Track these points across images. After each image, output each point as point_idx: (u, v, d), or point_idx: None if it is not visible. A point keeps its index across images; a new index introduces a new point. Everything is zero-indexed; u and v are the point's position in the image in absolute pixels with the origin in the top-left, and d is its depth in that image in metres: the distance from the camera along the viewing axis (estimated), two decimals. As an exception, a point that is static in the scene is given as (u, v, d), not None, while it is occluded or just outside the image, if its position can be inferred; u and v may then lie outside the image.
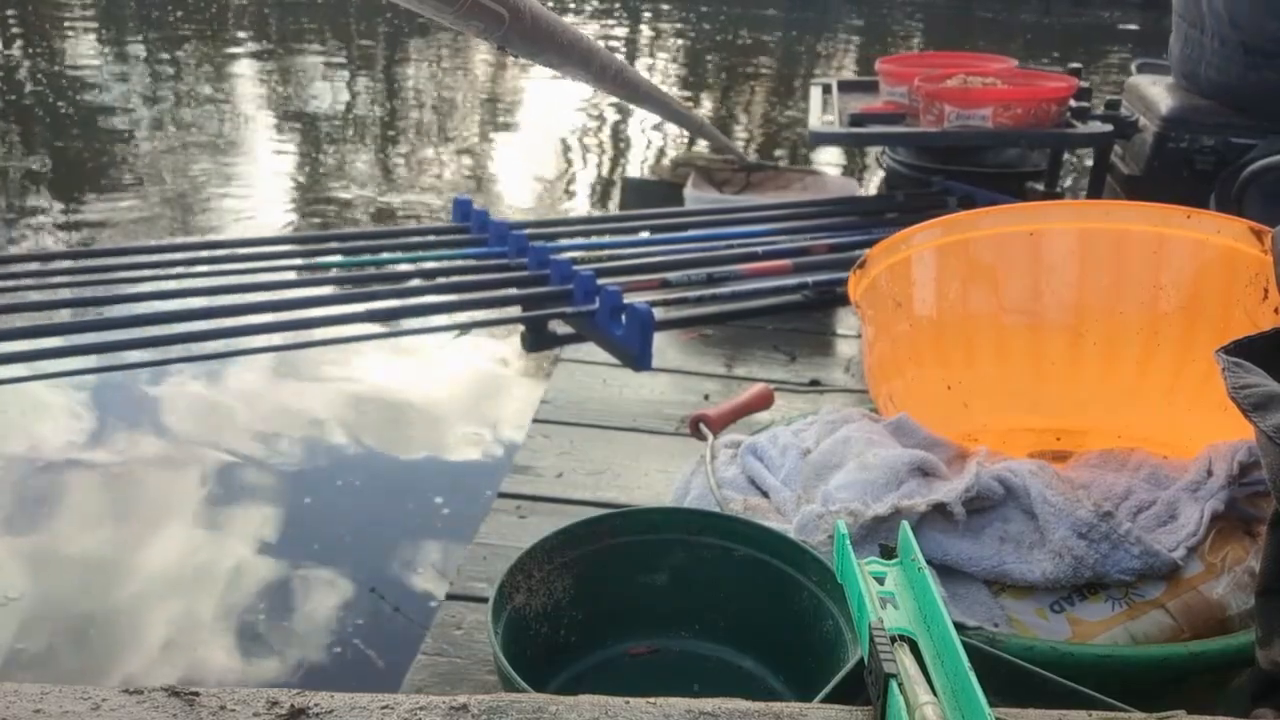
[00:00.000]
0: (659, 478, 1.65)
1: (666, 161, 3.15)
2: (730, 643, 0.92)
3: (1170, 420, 0.96)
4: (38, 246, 3.39)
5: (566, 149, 5.08)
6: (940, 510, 0.89)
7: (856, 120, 2.15)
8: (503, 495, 1.61)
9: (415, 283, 1.64)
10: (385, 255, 1.77)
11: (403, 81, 6.63)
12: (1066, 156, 2.50)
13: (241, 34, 7.81)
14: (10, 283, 1.44)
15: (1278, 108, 1.87)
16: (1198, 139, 1.94)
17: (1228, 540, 0.88)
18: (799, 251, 1.77)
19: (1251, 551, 0.88)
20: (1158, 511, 0.89)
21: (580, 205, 4.32)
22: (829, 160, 4.56)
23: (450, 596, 1.38)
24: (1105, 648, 0.82)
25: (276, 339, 1.54)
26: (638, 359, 1.47)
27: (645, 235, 2.01)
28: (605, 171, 4.82)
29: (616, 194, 4.17)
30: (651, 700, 0.45)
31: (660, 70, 7.14)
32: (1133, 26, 9.93)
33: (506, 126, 5.57)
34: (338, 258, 1.83)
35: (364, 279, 2.15)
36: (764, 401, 1.24)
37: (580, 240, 2.01)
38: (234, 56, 6.88)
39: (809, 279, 1.66)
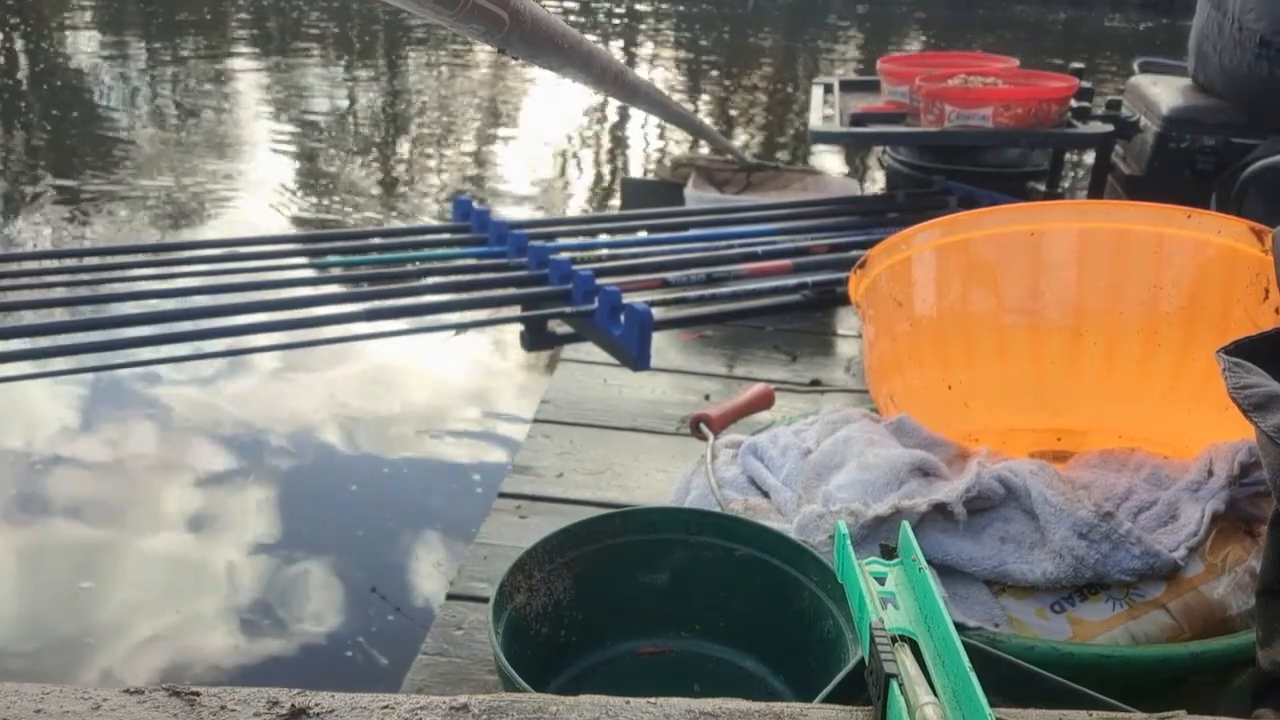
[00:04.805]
0: (659, 478, 1.65)
1: (667, 161, 3.15)
2: (731, 643, 0.92)
3: (1171, 420, 0.96)
4: (37, 245, 3.39)
5: (567, 149, 5.08)
6: (941, 510, 0.89)
7: (857, 120, 2.15)
8: (503, 495, 1.61)
9: (415, 282, 1.64)
10: (385, 254, 1.77)
11: (403, 82, 6.63)
12: (1067, 156, 2.50)
13: (242, 35, 7.81)
14: (10, 281, 1.44)
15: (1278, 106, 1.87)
16: (1199, 139, 1.94)
17: (1228, 540, 0.88)
18: (799, 251, 1.77)
19: (1252, 551, 0.88)
20: (1158, 511, 0.89)
21: (580, 205, 4.32)
22: (829, 159, 4.56)
23: (450, 596, 1.39)
24: (1106, 648, 0.82)
25: (276, 338, 1.54)
26: (636, 359, 1.47)
27: (645, 235, 2.01)
28: (605, 171, 4.82)
29: (616, 194, 4.17)
30: (652, 700, 0.45)
31: (660, 71, 7.14)
32: (1134, 27, 9.92)
33: (507, 126, 5.57)
34: (338, 257, 1.83)
35: (364, 278, 2.15)
36: (765, 401, 1.24)
37: (580, 240, 2.01)
38: (235, 57, 6.88)
39: (809, 279, 1.66)
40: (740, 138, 5.15)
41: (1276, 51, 1.82)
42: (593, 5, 9.88)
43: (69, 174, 4.23)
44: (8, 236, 3.51)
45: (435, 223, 3.49)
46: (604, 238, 2.15)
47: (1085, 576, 0.85)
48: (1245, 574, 0.86)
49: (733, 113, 5.97)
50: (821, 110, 2.31)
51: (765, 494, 1.01)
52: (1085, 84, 2.10)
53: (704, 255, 1.73)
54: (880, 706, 0.43)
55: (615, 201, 4.04)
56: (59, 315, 1.60)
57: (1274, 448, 0.60)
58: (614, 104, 5.50)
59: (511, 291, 1.60)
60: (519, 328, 1.64)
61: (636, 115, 5.42)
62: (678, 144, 4.95)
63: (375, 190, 4.29)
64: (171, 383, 2.41)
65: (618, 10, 9.87)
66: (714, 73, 7.30)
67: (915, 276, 1.06)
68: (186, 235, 3.56)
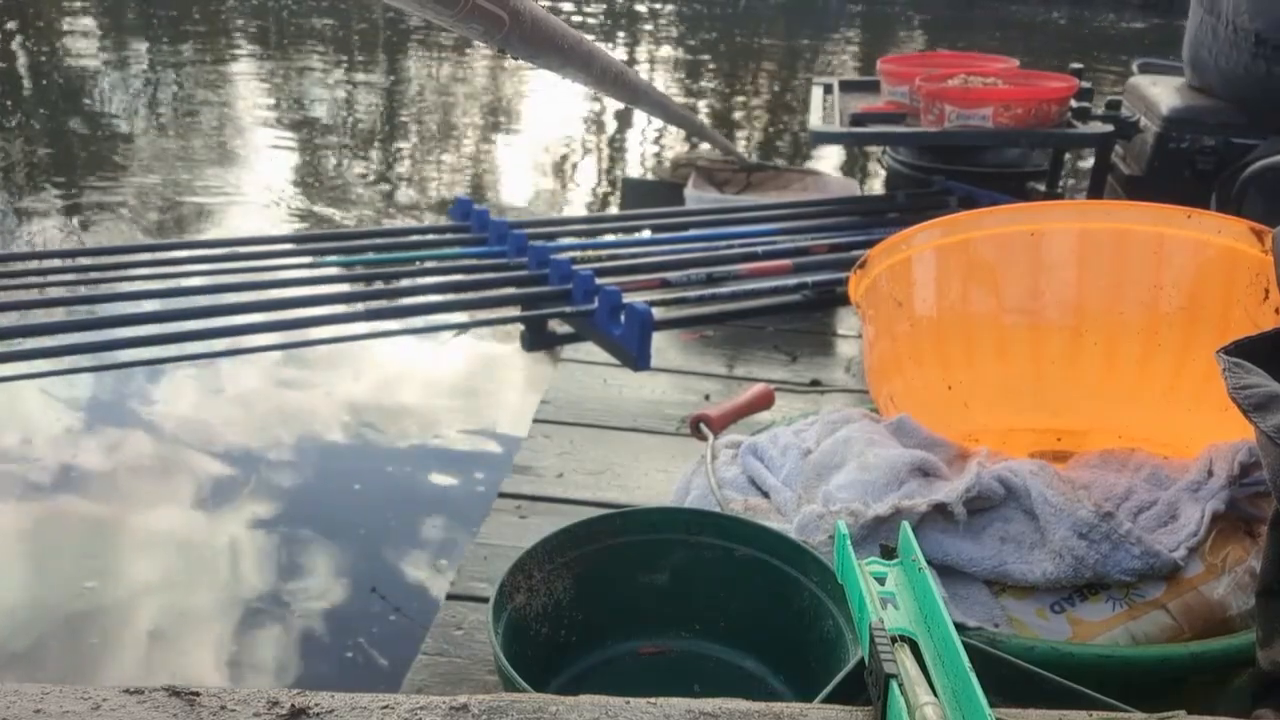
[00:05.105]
0: (659, 478, 1.65)
1: (666, 162, 3.15)
2: (731, 643, 0.92)
3: (1171, 420, 0.96)
4: (36, 246, 3.39)
5: (567, 149, 5.08)
6: (941, 510, 0.89)
7: (857, 120, 2.15)
8: (503, 495, 1.61)
9: (415, 282, 1.64)
10: (385, 254, 1.77)
11: (403, 82, 6.63)
12: (1067, 157, 2.50)
13: (241, 37, 7.81)
14: (8, 281, 1.44)
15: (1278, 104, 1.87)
16: (1199, 139, 1.94)
17: (1228, 540, 0.88)
18: (799, 251, 1.77)
19: (1252, 552, 0.88)
20: (1158, 512, 0.89)
21: (580, 205, 4.32)
22: (829, 159, 4.56)
23: (450, 596, 1.39)
24: (1106, 648, 0.82)
25: (276, 338, 1.54)
26: (637, 359, 1.47)
27: (645, 235, 2.01)
28: (605, 171, 4.82)
29: (617, 194, 4.17)
30: (652, 700, 0.45)
31: (658, 71, 7.14)
32: (1133, 27, 9.92)
33: (508, 127, 5.57)
34: (338, 257, 1.83)
35: (364, 278, 2.15)
36: (765, 401, 1.24)
37: (580, 240, 2.01)
38: (234, 59, 6.88)
39: (809, 279, 1.66)
40: (740, 138, 5.15)
41: (1273, 49, 1.82)
42: (587, 6, 9.88)
43: (67, 174, 4.23)
44: (7, 236, 3.51)
45: (435, 223, 3.49)
46: (604, 238, 2.15)
47: (1085, 576, 0.85)
48: (1245, 574, 0.86)
49: (735, 114, 5.97)
50: (821, 110, 2.31)
51: (765, 494, 1.01)
52: (1085, 84, 2.10)
53: (704, 255, 1.74)
54: (880, 706, 0.43)
55: (615, 201, 4.04)
56: (58, 315, 1.60)
57: (1274, 448, 0.60)
58: (614, 104, 5.50)
59: (511, 291, 1.60)
60: (519, 328, 1.64)
61: (637, 116, 5.42)
62: (677, 145, 4.95)
63: (375, 190, 4.29)
64: (172, 383, 2.41)
65: (605, 10, 9.86)
66: (712, 73, 7.30)
67: (915, 276, 1.06)
68: (186, 235, 3.56)
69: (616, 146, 5.26)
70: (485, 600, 0.82)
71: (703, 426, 1.12)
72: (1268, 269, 0.88)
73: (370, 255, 1.85)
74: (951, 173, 2.27)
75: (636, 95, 1.79)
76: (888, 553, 0.53)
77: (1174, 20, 8.98)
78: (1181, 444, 0.96)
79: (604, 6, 9.95)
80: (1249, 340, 0.67)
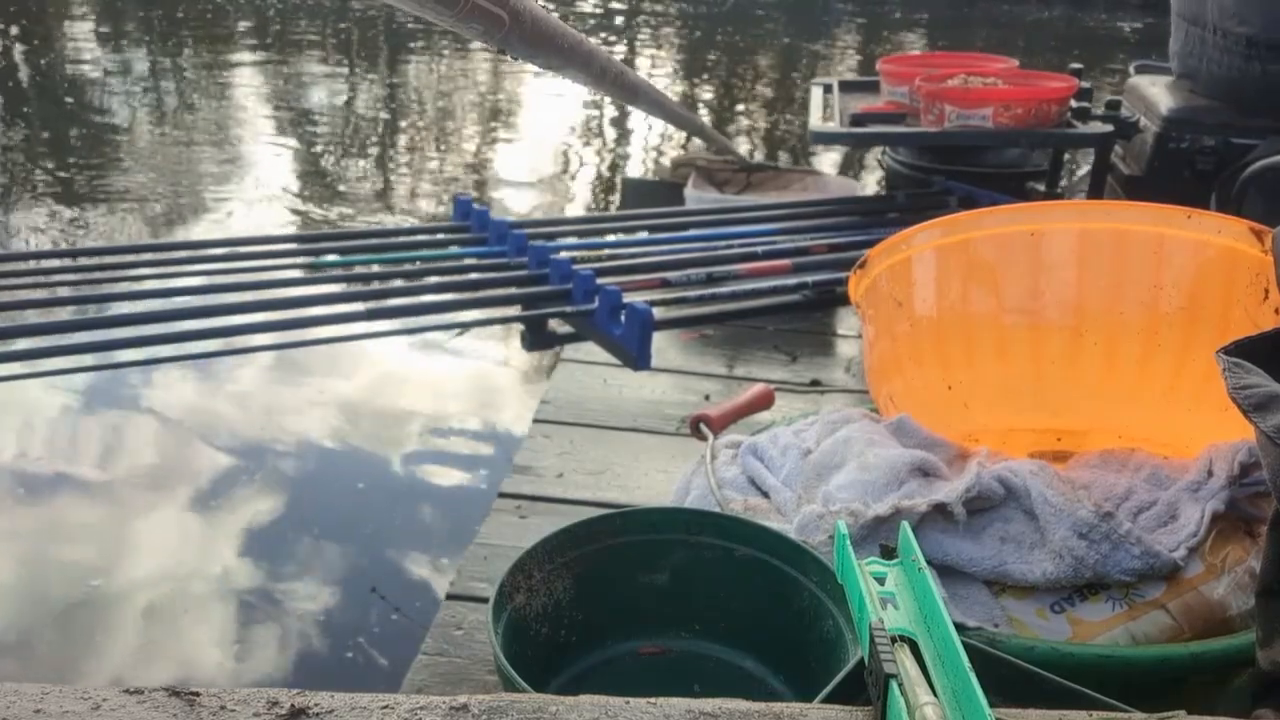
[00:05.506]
0: (659, 478, 1.65)
1: (666, 162, 3.15)
2: (730, 643, 0.92)
3: (1171, 420, 0.96)
4: (35, 245, 3.39)
5: (567, 149, 5.08)
6: (941, 510, 0.89)
7: (857, 120, 2.15)
8: (503, 495, 1.61)
9: (415, 282, 1.64)
10: (385, 254, 1.77)
11: (403, 82, 6.63)
12: (1067, 157, 2.50)
13: (242, 36, 7.81)
14: (8, 281, 1.44)
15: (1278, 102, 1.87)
16: (1198, 139, 1.94)
17: (1228, 540, 0.88)
18: (799, 251, 1.77)
19: (1252, 552, 0.88)
20: (1158, 512, 0.89)
21: (580, 205, 4.32)
22: (829, 159, 4.56)
23: (450, 596, 1.39)
24: (1106, 648, 0.82)
25: (276, 338, 1.54)
26: (637, 358, 1.47)
27: (645, 235, 2.01)
28: (605, 171, 4.81)
29: (617, 194, 4.17)
30: (652, 700, 0.45)
31: (660, 71, 7.14)
32: (1134, 25, 9.93)
33: (507, 126, 5.57)
34: (338, 257, 1.83)
35: (363, 278, 2.16)
36: (765, 401, 1.24)
37: (580, 240, 2.01)
38: (234, 58, 6.88)
39: (809, 279, 1.66)
40: (740, 138, 5.15)
41: (1266, 49, 1.82)
42: (586, 5, 9.88)
43: (68, 173, 4.23)
44: (6, 236, 3.51)
45: (435, 223, 3.49)
46: (604, 238, 2.15)
47: (1085, 576, 0.85)
48: (1245, 574, 0.86)
49: (733, 112, 5.96)
50: (821, 110, 2.31)
51: (765, 494, 1.01)
52: (1085, 84, 2.10)
53: (704, 255, 1.74)
54: (880, 706, 0.43)
55: (615, 201, 4.04)
56: (59, 315, 1.60)
57: (1274, 448, 0.60)
58: (614, 104, 5.50)
59: (511, 291, 1.60)
60: (519, 328, 1.64)
61: (636, 116, 5.42)
62: (677, 144, 4.95)
63: (375, 190, 4.29)
64: (173, 383, 2.41)
65: (604, 10, 9.86)
66: (711, 73, 7.30)
67: (915, 276, 1.06)
68: (186, 235, 3.56)
69: (616, 146, 5.26)
70: (485, 600, 0.82)
71: (703, 426, 1.12)
72: (1268, 269, 0.88)
73: (371, 255, 1.85)
74: (951, 173, 2.27)
75: (636, 95, 1.79)
76: (888, 553, 0.53)
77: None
78: (1181, 444, 0.96)
79: (601, 7, 9.95)
80: (1249, 340, 0.67)
